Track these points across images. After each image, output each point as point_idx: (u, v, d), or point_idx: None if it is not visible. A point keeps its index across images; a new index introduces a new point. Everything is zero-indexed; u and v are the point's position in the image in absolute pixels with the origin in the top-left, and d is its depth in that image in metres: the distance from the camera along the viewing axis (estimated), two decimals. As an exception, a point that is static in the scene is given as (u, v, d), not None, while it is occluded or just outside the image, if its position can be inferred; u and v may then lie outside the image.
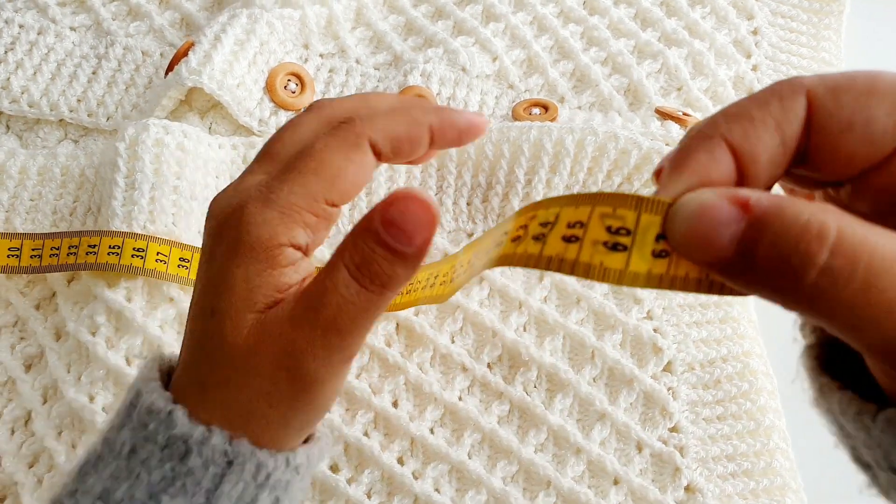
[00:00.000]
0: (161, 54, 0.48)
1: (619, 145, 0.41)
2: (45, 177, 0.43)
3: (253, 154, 0.42)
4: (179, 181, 0.40)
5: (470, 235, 0.42)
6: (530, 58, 0.48)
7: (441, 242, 0.42)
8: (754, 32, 0.51)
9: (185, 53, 0.44)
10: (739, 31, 0.50)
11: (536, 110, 0.45)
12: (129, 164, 0.40)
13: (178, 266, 0.38)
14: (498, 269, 0.41)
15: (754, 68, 0.50)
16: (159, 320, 0.38)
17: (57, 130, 0.46)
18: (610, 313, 0.40)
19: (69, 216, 0.43)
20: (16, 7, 0.49)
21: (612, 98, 0.46)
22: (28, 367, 0.39)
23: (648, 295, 0.40)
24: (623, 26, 0.49)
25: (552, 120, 0.44)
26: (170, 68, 0.45)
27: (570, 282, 0.41)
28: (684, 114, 0.44)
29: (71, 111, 0.46)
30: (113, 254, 0.38)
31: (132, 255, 0.37)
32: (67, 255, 0.39)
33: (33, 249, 0.40)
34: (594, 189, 0.41)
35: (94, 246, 0.38)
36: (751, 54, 0.50)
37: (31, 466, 0.37)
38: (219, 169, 0.42)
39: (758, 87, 0.49)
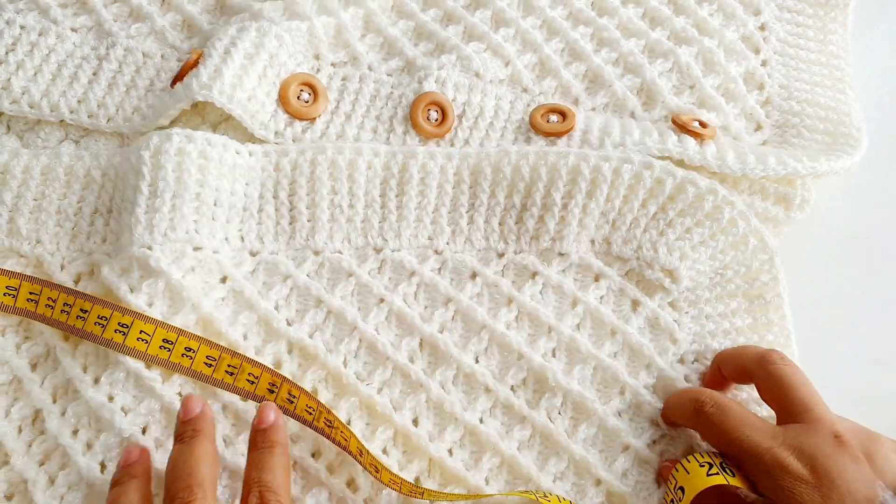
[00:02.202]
0: (162, 56, 0.47)
1: (654, 174, 0.41)
2: (49, 177, 0.43)
3: (286, 162, 0.43)
4: (202, 189, 0.41)
5: (501, 255, 0.42)
6: (542, 61, 0.48)
7: (469, 260, 0.42)
8: (762, 28, 0.51)
9: (195, 65, 0.44)
10: (747, 26, 0.50)
11: (554, 117, 0.45)
12: (153, 173, 0.40)
13: (160, 348, 0.38)
14: (529, 292, 0.41)
15: (764, 63, 0.50)
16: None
17: (58, 131, 0.46)
18: (647, 353, 0.40)
19: (73, 216, 0.42)
20: (17, 8, 0.49)
21: (626, 98, 0.47)
22: (34, 367, 0.40)
23: (686, 337, 0.41)
24: (633, 26, 0.49)
25: (570, 129, 0.44)
26: (178, 78, 0.45)
27: (606, 312, 0.41)
28: (701, 124, 0.44)
29: (71, 112, 0.45)
30: (99, 325, 0.38)
31: (115, 330, 0.38)
32: (61, 311, 0.39)
33: (30, 293, 0.40)
34: (629, 217, 0.42)
35: (86, 311, 0.38)
36: (759, 50, 0.50)
37: (41, 465, 0.37)
38: (249, 176, 0.42)
39: (768, 82, 0.49)
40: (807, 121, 0.48)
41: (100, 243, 0.42)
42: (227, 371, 0.38)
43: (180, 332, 0.38)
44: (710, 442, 0.37)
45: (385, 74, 0.47)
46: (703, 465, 0.35)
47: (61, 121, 0.46)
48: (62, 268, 0.42)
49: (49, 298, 0.39)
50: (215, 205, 0.41)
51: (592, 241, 0.42)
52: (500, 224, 0.43)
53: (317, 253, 0.42)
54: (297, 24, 0.46)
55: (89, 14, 0.49)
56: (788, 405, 0.36)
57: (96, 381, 0.38)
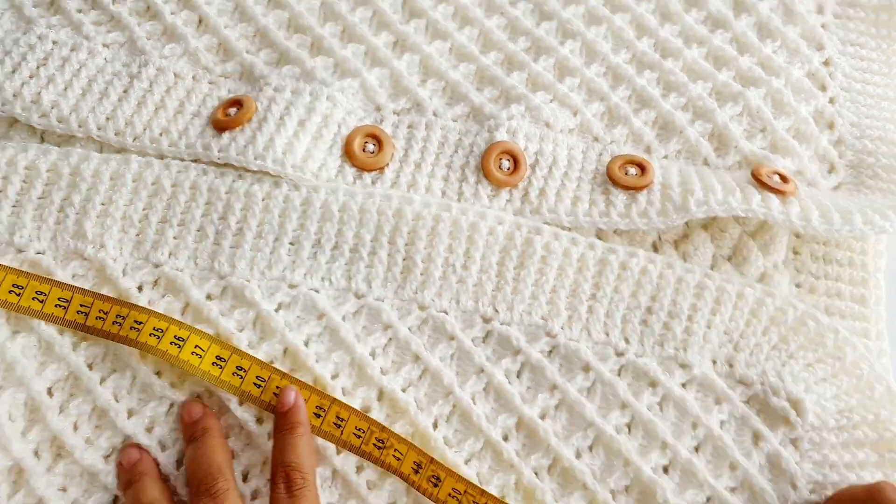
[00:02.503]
0: (193, 77, 0.46)
1: (775, 303, 0.41)
2: (118, 182, 0.43)
3: (409, 211, 0.42)
4: (301, 231, 0.42)
5: (620, 354, 0.41)
6: (610, 109, 0.47)
7: (584, 351, 0.40)
8: (826, 63, 0.50)
9: (243, 120, 0.44)
10: (812, 63, 0.49)
11: (633, 170, 0.43)
12: (261, 215, 0.42)
13: (213, 364, 0.38)
14: (646, 401, 0.40)
15: (832, 101, 0.49)
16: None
17: (92, 144, 0.45)
18: (769, 500, 0.39)
19: (139, 223, 0.42)
20: (49, 23, 0.48)
21: (699, 145, 0.45)
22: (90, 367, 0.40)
23: (805, 485, 0.39)
24: (698, 68, 0.48)
25: (649, 184, 0.43)
26: (219, 124, 0.44)
27: (728, 443, 0.39)
28: (781, 178, 0.43)
29: (99, 129, 0.44)
30: (154, 336, 0.39)
31: (171, 343, 0.38)
32: (112, 322, 0.39)
33: (81, 305, 0.40)
34: (753, 341, 0.41)
35: (140, 323, 0.39)
36: (826, 87, 0.49)
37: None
38: (362, 220, 0.43)
39: (839, 121, 0.48)
40: (882, 160, 0.47)
41: (167, 256, 0.42)
42: (274, 393, 0.38)
43: (233, 350, 0.39)
44: None
45: (451, 120, 0.46)
46: None
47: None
48: (124, 273, 0.41)
49: (101, 311, 0.40)
50: (314, 246, 0.42)
51: (714, 361, 0.41)
52: (622, 321, 0.41)
53: (423, 308, 0.41)
54: (350, 82, 0.46)
55: (122, 31, 0.48)
56: None
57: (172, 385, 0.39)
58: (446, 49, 0.49)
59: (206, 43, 0.48)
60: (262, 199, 0.42)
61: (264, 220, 0.42)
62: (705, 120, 0.46)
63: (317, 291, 0.41)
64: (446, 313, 0.41)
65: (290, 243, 0.42)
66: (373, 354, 0.40)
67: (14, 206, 0.43)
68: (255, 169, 0.42)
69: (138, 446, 0.38)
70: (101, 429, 0.38)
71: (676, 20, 0.50)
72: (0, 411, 0.37)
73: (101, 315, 0.39)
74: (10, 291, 0.40)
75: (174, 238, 0.42)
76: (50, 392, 0.39)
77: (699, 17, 0.50)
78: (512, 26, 0.49)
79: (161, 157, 0.44)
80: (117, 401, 0.39)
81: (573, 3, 0.50)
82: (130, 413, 0.39)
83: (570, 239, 0.42)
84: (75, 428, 0.38)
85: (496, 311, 0.41)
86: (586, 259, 0.42)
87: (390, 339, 0.40)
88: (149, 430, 0.38)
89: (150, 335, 0.38)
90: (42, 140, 0.45)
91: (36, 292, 0.40)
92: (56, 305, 0.40)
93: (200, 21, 0.49)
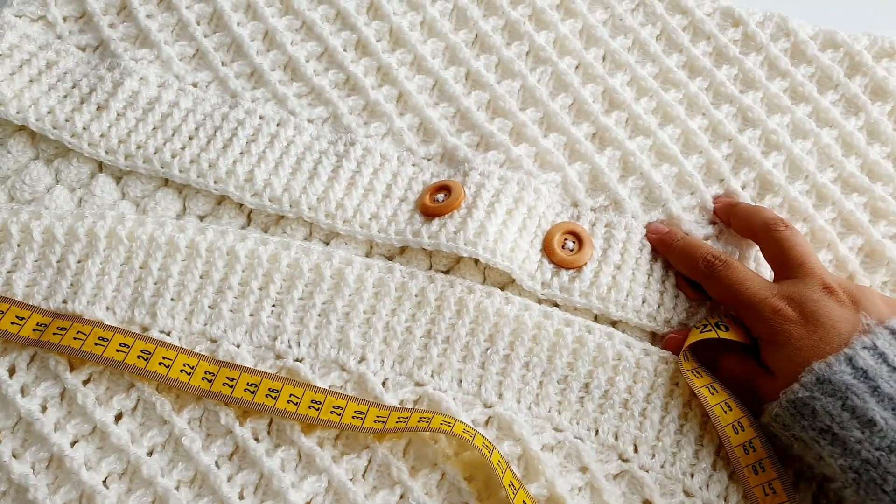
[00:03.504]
0: (398, 159, 0.47)
1: None
2: (381, 290, 0.42)
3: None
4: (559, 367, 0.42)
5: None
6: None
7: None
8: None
9: (452, 207, 0.44)
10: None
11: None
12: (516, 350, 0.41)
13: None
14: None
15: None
16: None
17: (302, 227, 0.45)
18: None
19: (401, 335, 0.42)
20: (254, 97, 0.48)
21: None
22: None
23: None
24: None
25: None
26: (427, 210, 0.44)
27: None
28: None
29: (310, 209, 0.44)
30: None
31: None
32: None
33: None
34: None
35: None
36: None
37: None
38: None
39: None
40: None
41: (430, 375, 0.41)
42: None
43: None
44: (714, 294, 0.42)
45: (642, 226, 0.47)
46: (698, 326, 0.41)
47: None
48: (385, 388, 0.41)
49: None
50: (581, 390, 0.41)
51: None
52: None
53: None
54: (553, 175, 0.46)
55: (325, 105, 0.48)
56: (785, 263, 0.41)
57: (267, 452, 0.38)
58: (647, 146, 0.49)
59: (409, 122, 0.48)
60: (532, 329, 0.42)
61: (533, 351, 0.41)
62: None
63: (581, 440, 0.40)
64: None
65: (558, 381, 0.41)
66: None
67: (274, 307, 0.42)
68: (465, 255, 0.42)
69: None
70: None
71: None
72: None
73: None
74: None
75: (438, 356, 0.41)
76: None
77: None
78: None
79: (370, 243, 0.45)
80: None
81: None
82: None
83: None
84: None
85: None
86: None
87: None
88: None
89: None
90: (249, 220, 0.45)
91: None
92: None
93: (400, 97, 0.49)
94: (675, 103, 0.50)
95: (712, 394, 0.39)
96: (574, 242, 0.45)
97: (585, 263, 0.44)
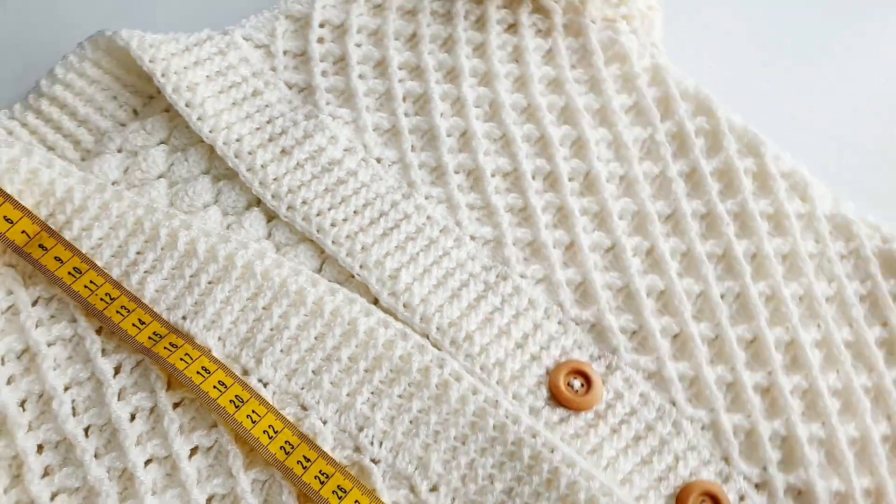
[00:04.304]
0: (545, 311, 0.43)
1: None
2: (477, 425, 0.39)
3: None
4: None
5: None
6: None
7: None
8: None
9: (586, 407, 0.41)
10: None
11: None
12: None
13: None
14: None
15: None
16: None
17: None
18: None
19: (482, 480, 0.38)
20: (428, 194, 0.46)
21: None
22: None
23: None
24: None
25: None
26: (558, 393, 0.41)
27: None
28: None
29: (438, 330, 0.42)
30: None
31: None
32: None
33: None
34: None
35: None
36: None
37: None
38: None
39: None
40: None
41: None
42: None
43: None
44: None
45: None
46: None
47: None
48: None
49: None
50: None
51: None
52: None
53: None
54: (703, 414, 0.42)
55: (493, 228, 0.46)
56: None
57: None
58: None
59: (568, 276, 0.44)
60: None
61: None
62: None
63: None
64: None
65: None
66: None
67: (372, 394, 0.40)
68: (581, 466, 0.38)
69: None
70: None
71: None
72: None
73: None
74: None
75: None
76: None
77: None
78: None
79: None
80: None
81: None
82: None
83: None
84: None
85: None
86: None
87: None
88: None
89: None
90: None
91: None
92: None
93: (571, 245, 0.45)
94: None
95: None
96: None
97: None
